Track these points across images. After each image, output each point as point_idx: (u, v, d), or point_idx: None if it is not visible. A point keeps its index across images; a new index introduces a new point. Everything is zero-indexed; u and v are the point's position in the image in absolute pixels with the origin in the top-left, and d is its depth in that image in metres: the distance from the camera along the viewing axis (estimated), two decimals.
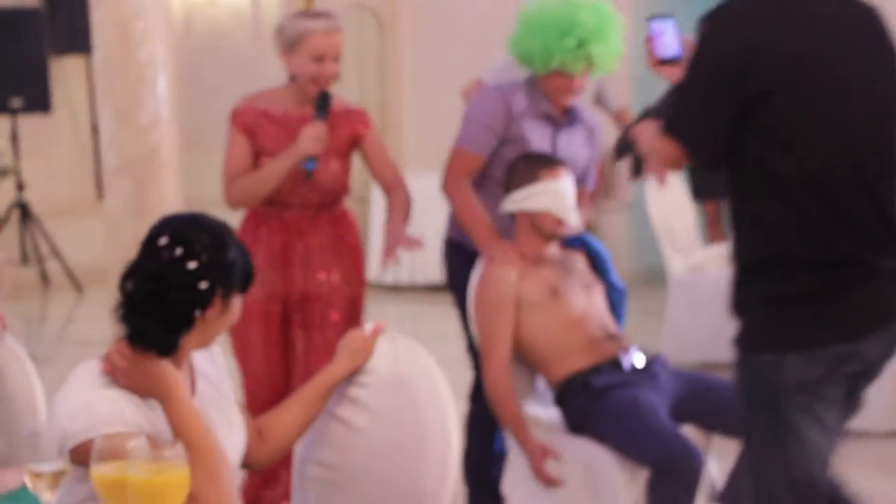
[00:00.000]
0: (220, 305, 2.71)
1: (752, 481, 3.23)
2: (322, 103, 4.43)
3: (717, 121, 3.08)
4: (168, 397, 2.61)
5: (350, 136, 4.50)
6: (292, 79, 4.51)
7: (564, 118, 4.58)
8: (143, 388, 2.63)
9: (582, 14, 4.41)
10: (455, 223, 4.62)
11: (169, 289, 2.66)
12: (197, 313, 2.68)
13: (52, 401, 2.67)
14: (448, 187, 4.51)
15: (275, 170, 4.37)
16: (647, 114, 3.28)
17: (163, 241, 2.68)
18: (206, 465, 2.55)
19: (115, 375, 2.65)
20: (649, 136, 3.32)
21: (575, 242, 4.53)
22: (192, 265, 2.66)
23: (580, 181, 4.70)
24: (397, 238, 4.36)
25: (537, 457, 4.01)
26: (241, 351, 4.48)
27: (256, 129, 4.48)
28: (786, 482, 3.16)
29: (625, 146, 3.66)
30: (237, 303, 2.76)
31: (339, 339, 3.82)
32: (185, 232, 2.70)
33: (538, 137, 4.51)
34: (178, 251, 2.66)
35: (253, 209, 4.56)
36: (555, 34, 4.42)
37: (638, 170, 3.68)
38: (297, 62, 4.45)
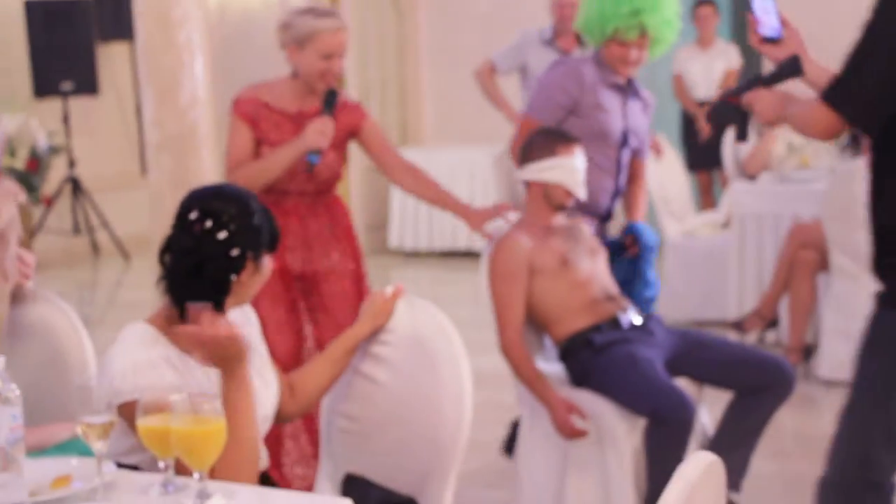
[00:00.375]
0: (252, 267, 2.73)
1: (849, 427, 3.17)
2: (330, 99, 4.29)
3: (887, 98, 2.91)
4: (232, 375, 2.60)
5: (348, 129, 4.38)
6: (295, 74, 4.36)
7: (629, 88, 4.63)
8: (212, 358, 2.61)
9: None
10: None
11: (205, 260, 2.67)
12: (233, 278, 2.69)
13: (103, 359, 2.69)
14: (514, 152, 4.53)
15: (279, 160, 4.23)
16: (756, 82, 3.13)
17: (193, 215, 2.69)
18: (237, 446, 2.52)
19: (182, 342, 2.67)
20: (774, 102, 3.17)
21: (630, 230, 4.54)
22: (222, 235, 2.67)
23: (639, 151, 4.77)
24: (487, 212, 4.25)
25: (562, 411, 3.99)
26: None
27: (258, 118, 4.34)
28: (885, 432, 3.11)
29: (726, 111, 3.56)
30: (267, 262, 2.78)
31: (349, 314, 3.81)
32: (212, 204, 2.70)
33: (611, 105, 4.55)
34: (209, 223, 2.68)
35: None
36: (610, 2, 4.41)
37: (743, 135, 3.56)
38: (305, 59, 4.30)
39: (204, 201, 2.72)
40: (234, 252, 2.68)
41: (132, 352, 2.64)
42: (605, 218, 4.72)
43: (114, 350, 2.67)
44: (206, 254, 2.67)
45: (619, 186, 4.70)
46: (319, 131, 4.19)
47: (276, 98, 4.37)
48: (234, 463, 2.52)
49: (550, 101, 4.55)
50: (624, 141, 4.66)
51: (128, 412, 2.49)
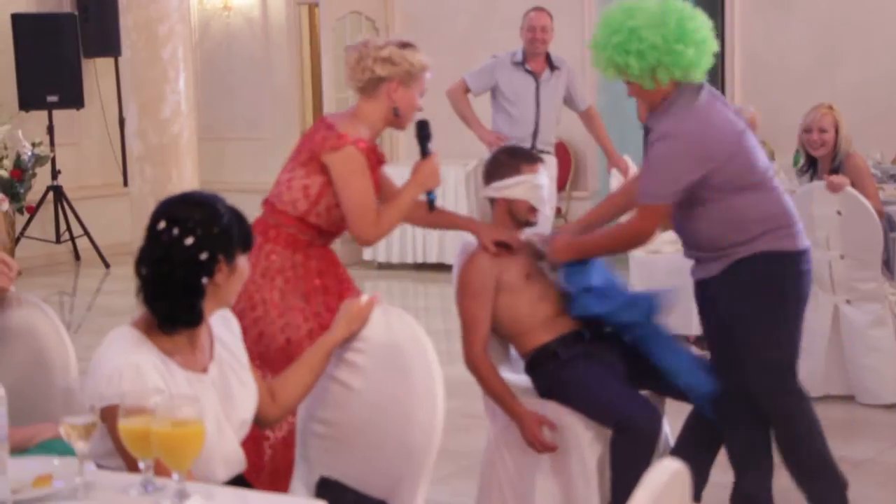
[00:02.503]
0: (226, 269, 2.71)
1: None
2: (424, 133, 4.07)
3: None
4: None
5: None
6: (394, 111, 4.03)
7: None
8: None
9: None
10: None
11: (175, 267, 2.67)
12: (205, 281, 2.68)
13: (91, 361, 2.68)
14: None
15: (404, 205, 4.03)
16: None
17: (161, 224, 2.69)
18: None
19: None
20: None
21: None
22: (189, 241, 2.66)
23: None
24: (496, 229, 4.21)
25: (532, 424, 3.97)
26: None
27: (372, 162, 4.06)
28: None
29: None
30: (242, 262, 2.76)
31: None
32: (178, 212, 2.70)
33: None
34: (175, 231, 2.67)
35: (290, 236, 4.07)
36: (702, 41, 3.91)
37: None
38: (408, 96, 4.02)
39: (170, 210, 2.72)
40: (203, 256, 2.67)
41: (119, 356, 2.63)
42: None
43: (101, 353, 2.66)
44: (175, 261, 2.67)
45: None
46: (431, 173, 4.06)
47: (364, 136, 4.04)
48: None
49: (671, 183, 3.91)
50: None
51: (110, 416, 2.47)
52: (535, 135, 7.64)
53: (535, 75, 7.68)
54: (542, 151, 7.42)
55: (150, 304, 2.70)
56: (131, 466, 2.53)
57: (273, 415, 2.99)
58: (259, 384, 2.94)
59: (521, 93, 7.70)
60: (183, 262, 2.66)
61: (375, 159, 4.09)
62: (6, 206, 9.54)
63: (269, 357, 3.90)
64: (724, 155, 3.88)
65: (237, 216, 2.77)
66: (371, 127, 4.06)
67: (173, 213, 2.70)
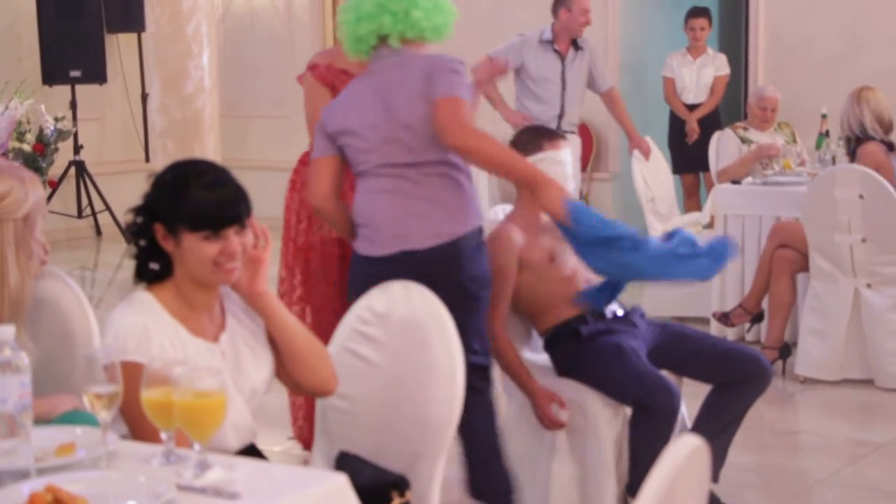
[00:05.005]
0: (170, 240, 2.76)
1: None
2: None
3: None
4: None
5: None
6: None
7: None
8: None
9: None
10: None
11: (128, 226, 2.84)
12: (142, 242, 2.78)
13: (108, 320, 2.77)
14: None
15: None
16: None
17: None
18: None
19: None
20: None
21: None
22: (140, 202, 2.81)
23: None
24: None
25: (543, 401, 3.99)
26: None
27: (336, 82, 4.41)
28: None
29: None
30: (190, 240, 2.73)
31: None
32: (153, 176, 2.83)
33: None
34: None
35: None
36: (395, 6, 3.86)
37: None
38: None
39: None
40: (139, 219, 2.79)
41: (129, 317, 2.72)
42: None
43: (115, 314, 2.76)
44: (129, 221, 2.83)
45: None
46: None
47: (349, 64, 4.33)
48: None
49: None
50: None
51: (113, 371, 2.46)
52: (560, 116, 7.63)
53: (562, 55, 7.67)
54: (566, 132, 7.41)
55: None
56: (133, 429, 2.58)
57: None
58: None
59: (548, 73, 7.69)
60: (131, 219, 2.81)
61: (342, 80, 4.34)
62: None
63: None
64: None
65: (197, 192, 2.73)
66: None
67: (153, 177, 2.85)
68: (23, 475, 2.21)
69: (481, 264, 3.81)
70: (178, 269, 2.78)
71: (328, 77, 4.49)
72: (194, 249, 2.73)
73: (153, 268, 2.79)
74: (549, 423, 3.99)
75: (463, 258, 3.72)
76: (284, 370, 2.94)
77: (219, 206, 2.73)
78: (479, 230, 3.82)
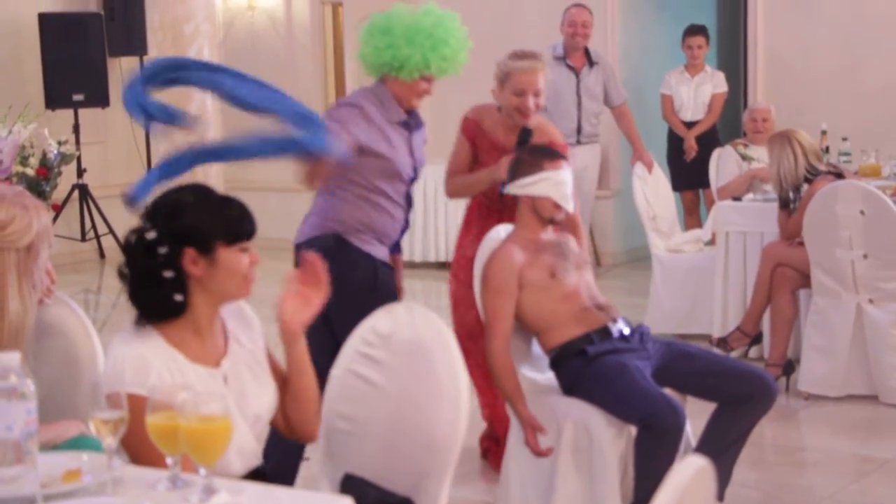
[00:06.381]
0: (201, 262, 2.70)
1: None
2: (523, 139, 4.76)
3: None
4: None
5: None
6: (499, 108, 4.85)
7: (412, 120, 4.47)
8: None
9: (446, 22, 4.40)
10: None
11: (138, 260, 2.71)
12: (168, 274, 2.69)
13: (107, 351, 2.75)
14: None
15: (476, 183, 4.84)
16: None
17: (133, 227, 2.76)
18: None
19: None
20: None
21: None
22: (151, 235, 2.70)
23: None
24: None
25: (528, 429, 4.02)
26: None
27: (476, 139, 4.89)
28: None
29: None
30: (227, 255, 2.73)
31: None
32: (153, 206, 2.76)
33: (398, 143, 4.39)
34: (140, 230, 2.72)
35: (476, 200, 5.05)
36: (429, 43, 4.33)
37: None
38: (503, 96, 4.79)
39: (151, 204, 2.79)
40: (162, 250, 2.69)
41: (127, 347, 2.68)
42: (393, 249, 4.56)
43: (113, 344, 2.72)
44: (139, 254, 2.71)
45: (407, 220, 4.54)
46: (502, 167, 4.53)
47: (491, 126, 4.88)
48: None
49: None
50: (414, 177, 4.50)
51: (112, 404, 2.46)
52: (578, 130, 7.69)
53: (576, 70, 7.70)
54: (585, 143, 7.51)
55: (131, 300, 2.74)
56: (133, 457, 2.56)
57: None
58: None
59: (562, 88, 7.73)
60: (144, 255, 2.70)
61: (482, 137, 4.95)
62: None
63: None
64: None
65: (215, 212, 2.74)
66: (501, 120, 4.93)
67: (149, 208, 2.76)
68: (29, 502, 2.20)
69: None
70: (197, 295, 2.73)
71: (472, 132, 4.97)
72: (232, 263, 2.73)
73: (179, 300, 2.71)
74: (534, 451, 4.02)
75: None
76: (280, 409, 2.95)
77: (247, 218, 2.78)
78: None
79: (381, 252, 4.42)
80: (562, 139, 4.90)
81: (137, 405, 2.41)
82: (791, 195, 6.19)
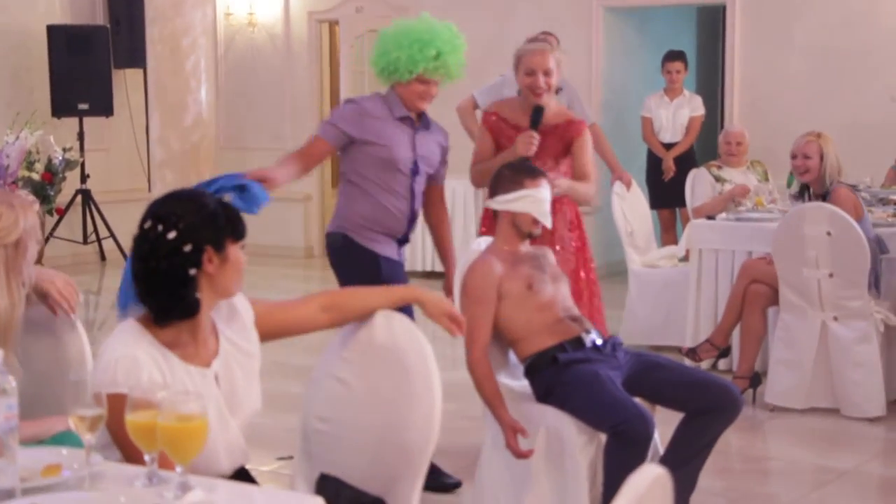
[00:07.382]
0: (216, 259, 2.67)
1: None
2: (535, 116, 4.80)
3: None
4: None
5: (563, 142, 4.86)
6: (520, 92, 4.96)
7: (420, 121, 4.75)
8: None
9: (438, 29, 4.60)
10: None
11: (160, 260, 2.63)
12: (192, 272, 2.64)
13: (98, 352, 2.68)
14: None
15: (497, 162, 4.68)
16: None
17: (147, 223, 2.67)
18: None
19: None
20: None
21: None
22: (172, 234, 2.63)
23: (434, 177, 4.88)
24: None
25: (509, 432, 3.99)
26: None
27: (499, 130, 4.93)
28: None
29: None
30: (235, 251, 2.71)
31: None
32: (162, 208, 2.68)
33: (399, 137, 4.67)
34: (160, 227, 2.64)
35: None
36: (417, 46, 4.54)
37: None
38: (518, 79, 4.90)
39: (156, 208, 2.70)
40: (187, 248, 2.63)
41: (119, 348, 2.61)
42: (402, 241, 4.83)
43: (105, 345, 2.65)
44: (160, 255, 2.63)
45: (413, 211, 4.78)
46: (526, 142, 4.70)
47: (512, 114, 4.94)
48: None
49: (336, 128, 4.63)
50: (416, 169, 4.71)
51: (106, 404, 2.42)
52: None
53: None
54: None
55: (143, 300, 2.67)
56: (127, 456, 2.52)
57: (324, 322, 3.03)
58: (309, 302, 3.01)
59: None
60: (167, 254, 2.63)
61: (503, 126, 5.01)
62: (37, 206, 9.56)
63: None
64: None
65: (225, 208, 2.74)
66: (520, 104, 5.02)
67: (159, 210, 2.68)
68: (8, 495, 2.17)
69: None
70: (204, 293, 2.68)
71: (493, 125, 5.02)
72: (238, 258, 2.72)
73: (198, 297, 2.67)
74: (515, 454, 3.99)
75: None
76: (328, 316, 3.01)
77: (241, 217, 2.78)
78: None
79: (387, 248, 4.70)
80: (576, 118, 5.04)
81: (151, 395, 2.34)
82: (807, 194, 6.23)
